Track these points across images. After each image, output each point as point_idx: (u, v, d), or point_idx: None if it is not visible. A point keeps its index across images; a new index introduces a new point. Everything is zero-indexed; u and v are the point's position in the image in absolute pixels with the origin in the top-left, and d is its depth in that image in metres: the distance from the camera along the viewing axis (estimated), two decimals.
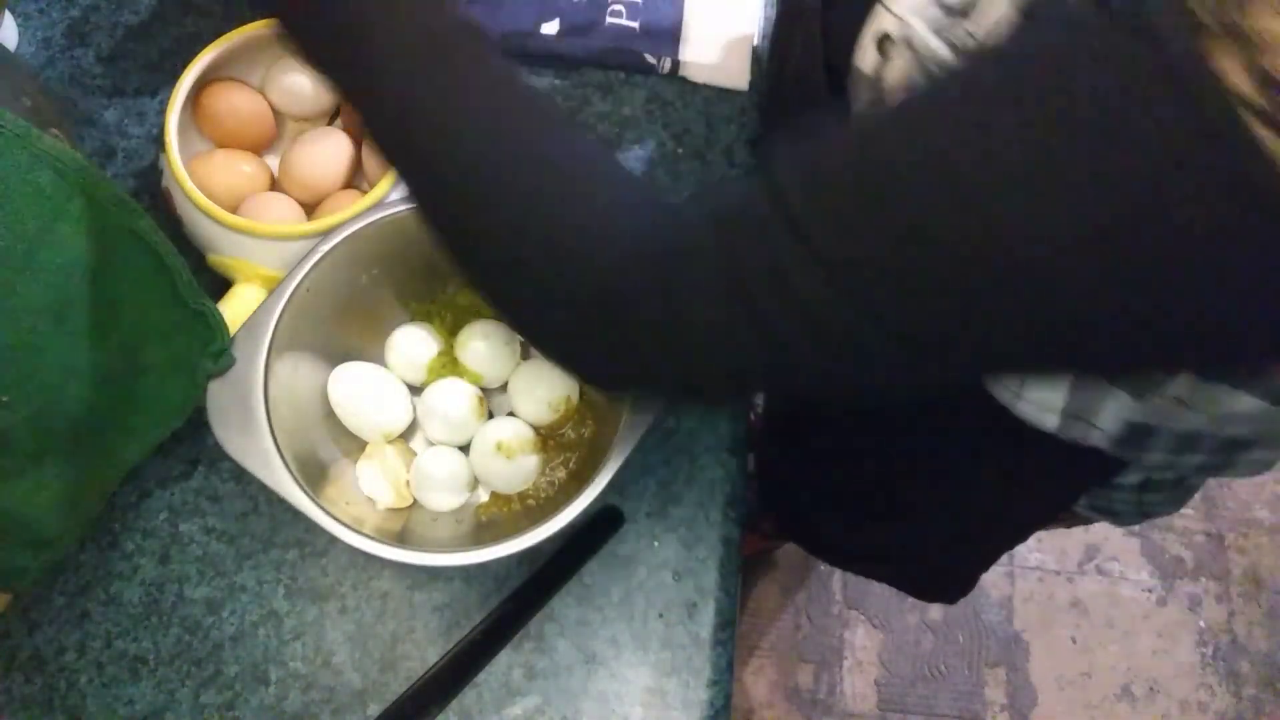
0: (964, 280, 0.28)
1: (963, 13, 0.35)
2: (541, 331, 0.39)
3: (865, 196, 0.29)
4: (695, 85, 0.70)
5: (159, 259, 0.47)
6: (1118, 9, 0.25)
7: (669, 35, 0.70)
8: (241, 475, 0.54)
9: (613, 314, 0.35)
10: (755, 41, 0.71)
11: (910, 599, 1.43)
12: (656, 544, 0.58)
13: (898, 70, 0.37)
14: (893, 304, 0.29)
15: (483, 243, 0.38)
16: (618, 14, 0.71)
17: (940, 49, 0.35)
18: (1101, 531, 1.47)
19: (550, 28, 0.70)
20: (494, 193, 0.36)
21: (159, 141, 0.58)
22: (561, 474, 0.57)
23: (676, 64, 0.69)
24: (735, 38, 0.71)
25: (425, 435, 0.58)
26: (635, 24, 0.70)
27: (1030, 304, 0.28)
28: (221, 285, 0.60)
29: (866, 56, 0.39)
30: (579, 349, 0.38)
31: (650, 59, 0.69)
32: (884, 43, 0.38)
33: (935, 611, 1.44)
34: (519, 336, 0.61)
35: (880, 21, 0.38)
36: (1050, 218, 0.26)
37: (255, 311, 0.51)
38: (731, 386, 0.38)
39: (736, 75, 0.69)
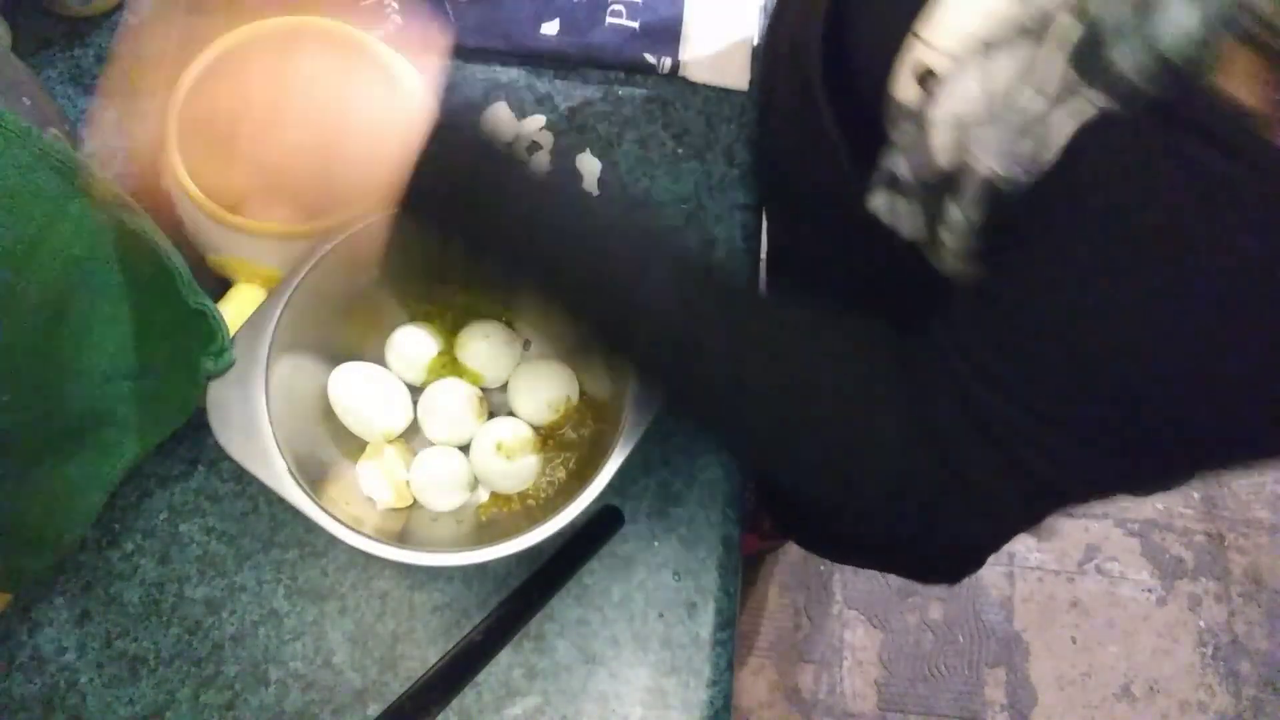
0: (1185, 425, 0.34)
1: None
2: (849, 529, 0.44)
3: (1087, 386, 0.34)
4: (695, 85, 0.70)
5: (159, 259, 0.47)
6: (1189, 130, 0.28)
7: (669, 35, 0.70)
8: (241, 475, 0.54)
9: (889, 530, 0.42)
10: (755, 42, 0.71)
11: (911, 598, 1.43)
12: (656, 544, 0.58)
13: (947, 113, 0.37)
14: (1130, 453, 0.36)
15: (750, 454, 0.46)
16: (618, 14, 0.71)
17: (995, 100, 0.35)
18: (1101, 531, 1.47)
19: (550, 28, 0.70)
20: (754, 425, 0.42)
21: (159, 141, 0.58)
22: (561, 474, 0.57)
23: (676, 64, 0.69)
24: (735, 38, 0.71)
25: (425, 435, 0.58)
26: (635, 24, 0.70)
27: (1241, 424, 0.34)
28: (221, 285, 0.60)
29: (906, 90, 0.39)
30: (872, 546, 0.45)
31: (650, 59, 0.69)
32: (926, 78, 0.37)
33: (935, 611, 1.44)
34: (519, 336, 0.61)
35: (918, 54, 0.38)
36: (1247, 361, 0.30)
37: (255, 311, 0.51)
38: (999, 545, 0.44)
39: (736, 75, 0.69)
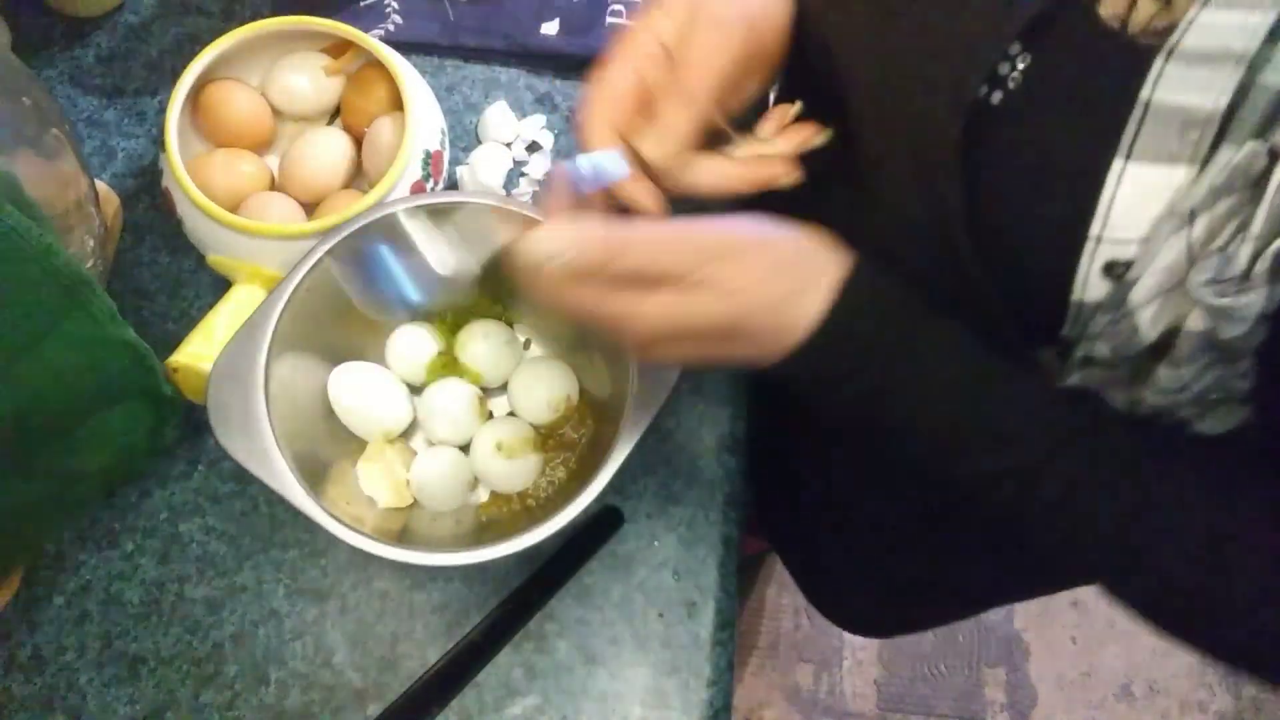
0: None
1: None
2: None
3: None
4: None
5: (141, 358, 0.49)
6: None
7: None
8: (241, 475, 0.54)
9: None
10: None
11: None
12: (656, 544, 0.58)
13: (1150, 289, 0.36)
14: None
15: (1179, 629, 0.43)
16: (618, 14, 0.71)
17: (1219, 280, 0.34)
18: None
19: (550, 28, 0.70)
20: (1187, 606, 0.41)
21: (159, 141, 0.58)
22: (561, 474, 0.57)
23: None
24: None
25: (425, 435, 0.58)
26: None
27: None
28: (221, 285, 0.60)
29: (1095, 290, 0.37)
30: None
31: None
32: (1115, 269, 0.36)
33: None
34: (519, 336, 0.61)
35: (1101, 254, 0.36)
36: None
37: (255, 311, 0.51)
38: None
39: None
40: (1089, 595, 1.45)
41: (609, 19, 0.71)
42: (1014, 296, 0.40)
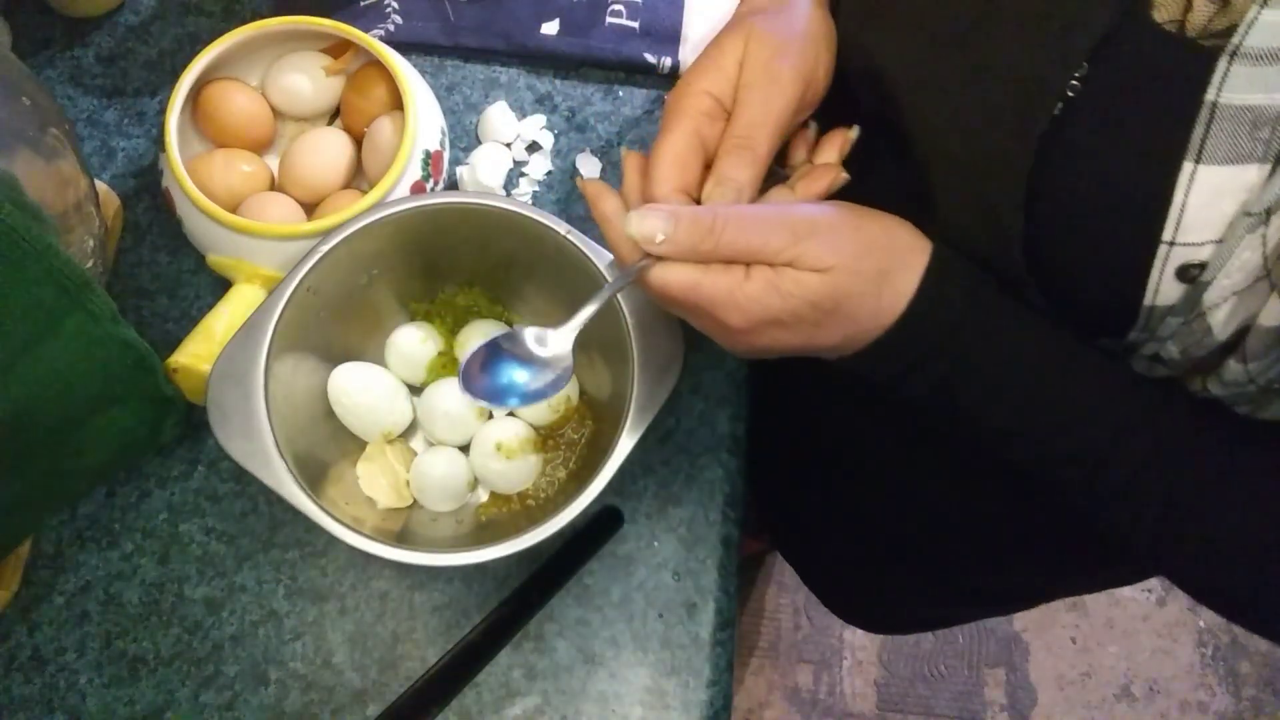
0: None
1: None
2: None
3: None
4: None
5: (141, 358, 0.49)
6: None
7: (669, 35, 0.70)
8: (241, 475, 0.54)
9: None
10: None
11: None
12: (656, 544, 0.58)
13: (1225, 291, 0.36)
14: None
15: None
16: (618, 14, 0.71)
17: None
18: None
19: (550, 28, 0.70)
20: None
21: (159, 141, 0.58)
22: (561, 474, 0.57)
23: (676, 64, 0.69)
24: None
25: (425, 435, 0.58)
26: (635, 24, 0.70)
27: None
28: (221, 285, 0.60)
29: (1165, 293, 0.37)
30: None
31: (650, 59, 0.69)
32: (1188, 273, 0.36)
33: None
34: None
35: (1174, 258, 0.36)
36: None
37: (255, 311, 0.51)
38: None
39: None
40: (1089, 595, 1.45)
41: (609, 19, 0.71)
42: (1075, 309, 0.40)
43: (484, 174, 0.66)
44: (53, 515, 0.56)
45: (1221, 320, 0.37)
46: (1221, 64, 0.33)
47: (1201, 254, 0.36)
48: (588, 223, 0.66)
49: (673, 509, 0.59)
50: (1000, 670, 1.41)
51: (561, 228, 0.53)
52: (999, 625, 1.44)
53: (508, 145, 0.68)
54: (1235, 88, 0.33)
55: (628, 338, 0.51)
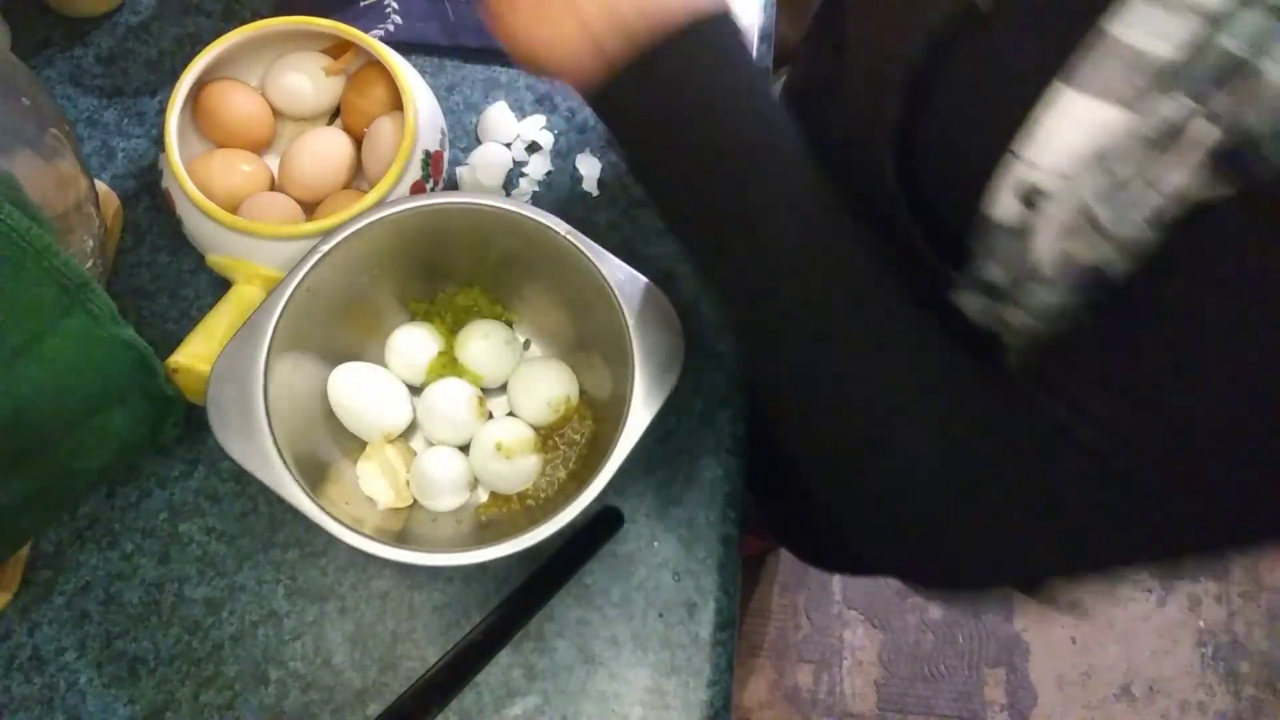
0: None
1: (1124, 185, 0.34)
2: (869, 534, 0.43)
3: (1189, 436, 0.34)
4: None
5: (142, 357, 0.49)
6: None
7: None
8: (241, 475, 0.54)
9: (927, 531, 0.41)
10: (755, 45, 0.71)
11: (911, 599, 1.43)
12: (656, 544, 0.58)
13: (1056, 224, 0.36)
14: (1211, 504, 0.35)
15: (810, 444, 0.44)
16: None
17: (1118, 224, 0.34)
18: None
19: None
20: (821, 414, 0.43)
21: (159, 141, 0.58)
22: (561, 474, 0.57)
23: None
24: None
25: (425, 435, 0.58)
26: None
27: None
28: (221, 285, 0.60)
29: (1006, 209, 0.37)
30: (898, 554, 0.43)
31: None
32: (1029, 195, 0.36)
33: (935, 611, 1.44)
34: (519, 336, 0.61)
35: (1020, 174, 0.36)
36: None
37: (255, 311, 0.51)
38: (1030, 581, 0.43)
39: None
40: (1089, 596, 1.45)
41: None
42: (932, 208, 0.41)
43: (484, 174, 0.66)
44: (54, 518, 0.56)
45: (1047, 251, 0.37)
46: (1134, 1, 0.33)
47: (1044, 180, 0.36)
48: (588, 223, 0.66)
49: (673, 509, 0.59)
50: (1000, 670, 1.41)
51: (561, 228, 0.53)
52: (999, 625, 1.44)
53: (508, 145, 0.68)
54: (1130, 23, 0.33)
55: (628, 338, 0.51)
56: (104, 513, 0.58)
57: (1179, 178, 0.32)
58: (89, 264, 0.52)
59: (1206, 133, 0.31)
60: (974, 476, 0.39)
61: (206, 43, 0.60)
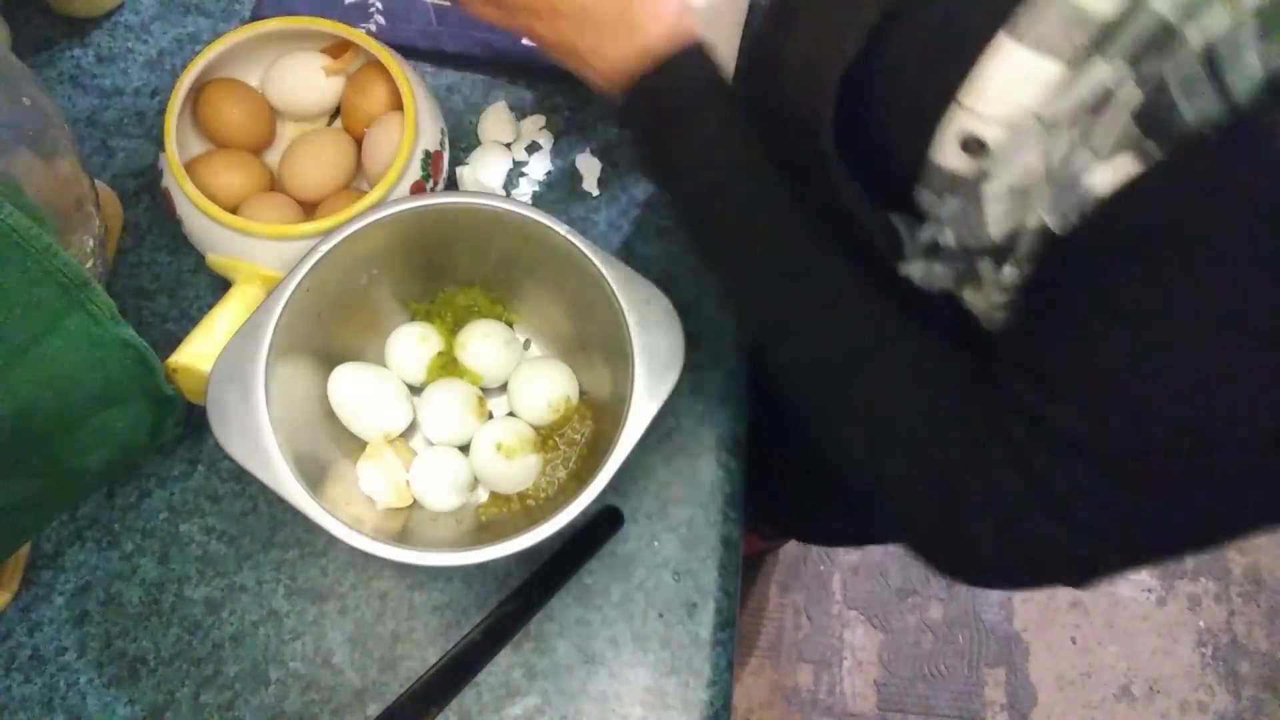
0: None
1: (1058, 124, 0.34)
2: (888, 519, 0.44)
3: (1148, 431, 0.34)
4: None
5: (142, 357, 0.49)
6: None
7: None
8: (241, 475, 0.54)
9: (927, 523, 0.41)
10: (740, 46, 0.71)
11: (911, 598, 1.43)
12: (656, 544, 0.58)
13: (1003, 185, 0.37)
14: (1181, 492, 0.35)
15: (821, 423, 0.45)
16: None
17: (1060, 190, 0.35)
18: None
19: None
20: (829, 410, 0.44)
21: (159, 141, 0.58)
22: (561, 474, 0.57)
23: None
24: (727, 43, 0.70)
25: (425, 435, 0.58)
26: None
27: None
28: (221, 285, 0.60)
29: (951, 158, 0.38)
30: (915, 538, 0.43)
31: None
32: (974, 147, 0.37)
33: (935, 611, 1.44)
34: (519, 336, 0.61)
35: (962, 122, 0.37)
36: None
37: (255, 311, 0.51)
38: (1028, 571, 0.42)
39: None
40: (1089, 595, 1.45)
41: None
42: (873, 153, 0.42)
43: (484, 174, 0.66)
44: (54, 517, 0.56)
45: (996, 214, 0.37)
46: None
47: (987, 131, 0.36)
48: (588, 223, 0.66)
49: (673, 509, 0.59)
50: (1000, 670, 1.41)
51: (561, 228, 0.53)
52: (999, 625, 1.44)
53: (508, 145, 0.68)
54: None
55: (628, 337, 0.51)
56: (104, 513, 0.58)
57: (1110, 142, 0.32)
58: (89, 264, 0.52)
59: (1134, 96, 0.31)
60: (960, 478, 0.39)
61: (206, 43, 0.60)
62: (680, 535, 0.58)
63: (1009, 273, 0.38)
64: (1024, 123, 0.35)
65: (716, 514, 0.59)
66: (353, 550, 0.48)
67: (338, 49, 0.65)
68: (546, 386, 0.57)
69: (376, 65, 0.62)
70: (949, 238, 0.40)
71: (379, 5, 0.70)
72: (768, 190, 0.45)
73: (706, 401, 0.61)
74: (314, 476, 0.51)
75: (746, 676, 1.38)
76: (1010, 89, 0.35)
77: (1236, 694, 1.42)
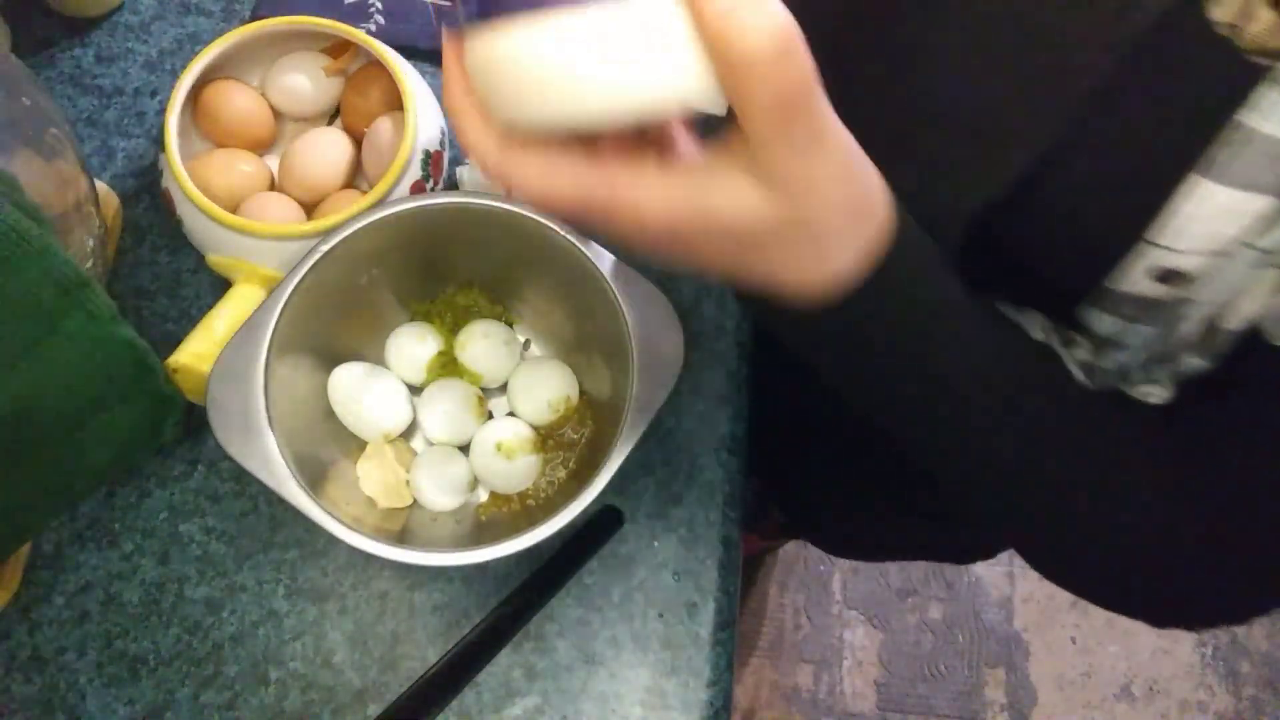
0: None
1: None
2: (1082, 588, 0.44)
3: None
4: None
5: (141, 358, 0.49)
6: None
7: None
8: (241, 475, 0.54)
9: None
10: None
11: (911, 598, 1.43)
12: (656, 544, 0.58)
13: (1208, 301, 0.36)
14: None
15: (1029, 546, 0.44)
16: None
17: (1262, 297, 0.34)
18: None
19: None
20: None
21: (159, 141, 0.58)
22: (561, 474, 0.57)
23: None
24: None
25: (425, 435, 0.58)
26: None
27: None
28: (221, 285, 0.60)
29: (1137, 284, 0.37)
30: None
31: None
32: (1168, 276, 0.36)
33: (935, 611, 1.44)
34: (519, 336, 0.61)
35: (1154, 258, 0.36)
36: None
37: (255, 311, 0.51)
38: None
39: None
40: None
41: None
42: (1023, 275, 0.40)
43: (484, 174, 0.66)
44: (54, 517, 0.56)
45: (1195, 327, 0.37)
46: (1266, 90, 0.32)
47: (1183, 262, 0.35)
48: None
49: (673, 509, 0.59)
50: (1000, 670, 1.41)
51: (561, 228, 0.53)
52: (999, 625, 1.44)
53: None
54: (1271, 115, 0.32)
55: (628, 338, 0.51)
56: (104, 513, 0.58)
57: None
58: (89, 263, 0.52)
59: None
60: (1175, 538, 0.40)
61: (206, 43, 0.60)
62: (680, 535, 0.58)
63: (1194, 363, 0.38)
64: (1230, 249, 0.34)
65: (716, 514, 0.59)
66: (353, 550, 0.48)
67: (338, 49, 0.65)
68: (546, 387, 0.57)
69: (376, 65, 0.62)
70: (1137, 354, 0.40)
71: (379, 5, 0.70)
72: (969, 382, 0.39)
73: (706, 401, 0.61)
74: (314, 476, 0.51)
75: (746, 676, 1.38)
76: (1213, 225, 0.34)
77: (1236, 694, 1.42)
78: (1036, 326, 0.43)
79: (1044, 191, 0.38)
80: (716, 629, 0.56)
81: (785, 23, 0.26)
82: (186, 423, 0.57)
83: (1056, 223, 0.39)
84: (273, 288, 0.52)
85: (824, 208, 0.30)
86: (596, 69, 0.27)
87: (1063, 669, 1.42)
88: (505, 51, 0.28)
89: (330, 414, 0.56)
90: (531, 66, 0.28)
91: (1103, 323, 0.40)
